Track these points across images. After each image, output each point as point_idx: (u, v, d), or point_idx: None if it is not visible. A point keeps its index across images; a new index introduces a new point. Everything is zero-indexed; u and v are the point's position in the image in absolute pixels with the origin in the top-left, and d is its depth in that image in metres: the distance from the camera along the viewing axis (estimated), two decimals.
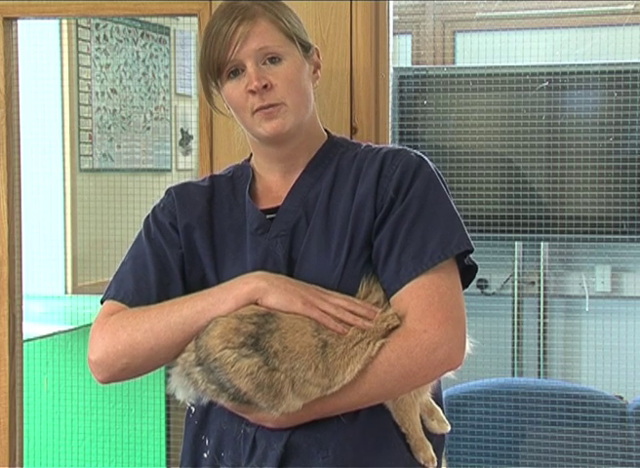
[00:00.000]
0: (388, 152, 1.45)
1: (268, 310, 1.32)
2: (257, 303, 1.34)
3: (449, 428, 1.48)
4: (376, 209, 1.40)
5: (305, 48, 1.47)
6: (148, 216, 1.52)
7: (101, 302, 1.48)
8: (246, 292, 1.34)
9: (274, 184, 1.50)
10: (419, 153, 1.46)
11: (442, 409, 1.49)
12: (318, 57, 1.51)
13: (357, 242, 1.39)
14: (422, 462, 1.42)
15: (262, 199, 1.50)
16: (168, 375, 1.38)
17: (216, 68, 1.42)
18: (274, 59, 1.41)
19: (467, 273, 1.43)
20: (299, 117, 1.43)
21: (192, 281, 1.45)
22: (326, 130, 1.55)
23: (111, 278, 1.50)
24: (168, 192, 1.54)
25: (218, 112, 1.54)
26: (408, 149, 1.47)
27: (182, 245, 1.46)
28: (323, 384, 1.30)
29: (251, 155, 1.57)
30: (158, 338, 1.36)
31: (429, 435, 1.44)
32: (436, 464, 1.44)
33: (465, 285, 1.42)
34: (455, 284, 1.38)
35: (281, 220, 1.45)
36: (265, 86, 1.39)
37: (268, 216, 1.46)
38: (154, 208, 1.53)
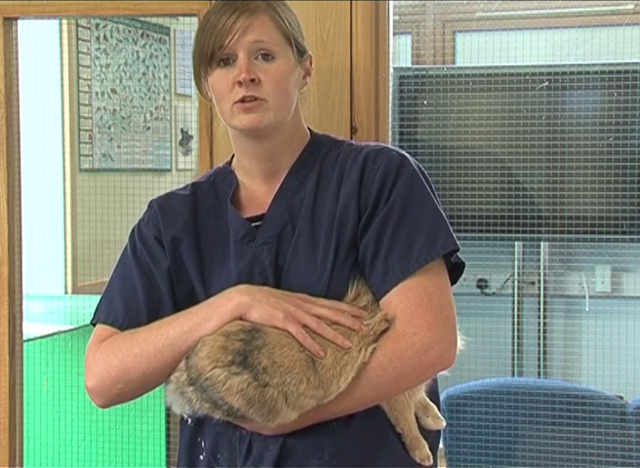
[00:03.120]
0: (370, 152, 1.44)
1: (254, 325, 1.32)
2: (241, 318, 1.33)
3: (444, 424, 1.48)
4: (360, 211, 1.39)
5: (300, 52, 1.46)
6: (134, 231, 1.51)
7: (92, 324, 1.49)
8: (229, 308, 1.34)
9: (258, 192, 1.49)
10: (400, 151, 1.45)
11: (438, 405, 1.49)
12: (310, 64, 1.50)
13: (343, 245, 1.38)
14: (419, 460, 1.42)
15: (247, 207, 1.48)
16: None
17: (209, 55, 1.41)
18: (267, 56, 1.41)
19: (455, 269, 1.42)
20: (278, 117, 1.42)
21: (181, 294, 1.45)
22: (308, 128, 1.53)
23: (101, 295, 1.50)
24: (150, 205, 1.53)
25: (206, 100, 1.51)
26: (390, 147, 1.47)
27: (169, 258, 1.46)
28: (318, 395, 1.30)
29: (232, 158, 1.55)
30: (149, 362, 1.37)
31: (425, 432, 1.45)
32: (432, 462, 1.44)
33: (453, 282, 1.42)
34: (443, 283, 1.38)
35: (267, 228, 1.44)
36: (253, 80, 1.38)
37: (254, 224, 1.45)
38: (139, 222, 1.52)
